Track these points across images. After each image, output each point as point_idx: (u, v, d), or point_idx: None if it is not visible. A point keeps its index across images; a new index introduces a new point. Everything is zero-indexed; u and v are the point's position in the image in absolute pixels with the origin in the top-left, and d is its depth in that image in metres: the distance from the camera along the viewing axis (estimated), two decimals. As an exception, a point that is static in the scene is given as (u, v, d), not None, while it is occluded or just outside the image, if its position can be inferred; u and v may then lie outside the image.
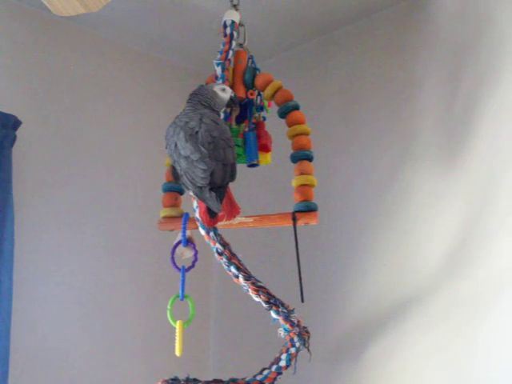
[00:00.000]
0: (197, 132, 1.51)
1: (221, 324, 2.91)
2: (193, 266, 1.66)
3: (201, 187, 1.46)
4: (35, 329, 2.38)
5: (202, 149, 1.48)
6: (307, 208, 1.59)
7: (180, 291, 1.63)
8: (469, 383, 1.96)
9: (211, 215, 1.49)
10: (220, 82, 1.74)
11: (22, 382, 2.28)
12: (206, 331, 2.91)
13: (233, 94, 1.68)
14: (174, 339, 1.62)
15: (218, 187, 1.47)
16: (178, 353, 1.59)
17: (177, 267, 1.66)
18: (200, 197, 1.48)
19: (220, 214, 1.49)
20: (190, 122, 1.54)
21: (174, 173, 1.56)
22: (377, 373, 2.21)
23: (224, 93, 1.66)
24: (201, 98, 1.63)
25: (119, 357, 2.60)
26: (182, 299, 1.64)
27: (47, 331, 2.41)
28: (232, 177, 1.54)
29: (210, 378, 1.56)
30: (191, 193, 1.64)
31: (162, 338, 2.52)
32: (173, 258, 1.66)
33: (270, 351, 1.64)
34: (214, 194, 1.46)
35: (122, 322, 2.63)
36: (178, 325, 1.61)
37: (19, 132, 2.32)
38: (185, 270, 1.65)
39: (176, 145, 1.52)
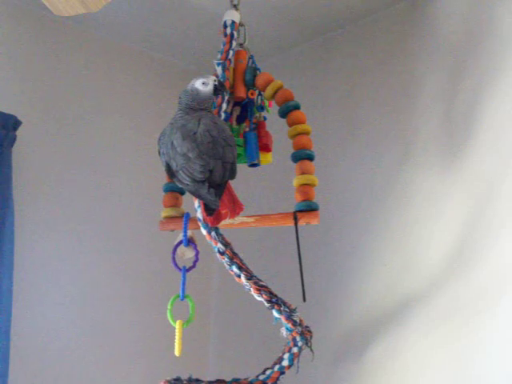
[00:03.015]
0: (195, 133, 1.51)
1: (221, 324, 2.91)
2: (194, 266, 1.65)
3: (199, 181, 1.46)
4: (35, 329, 2.37)
5: (201, 147, 1.48)
6: (308, 207, 1.59)
7: (180, 291, 1.63)
8: (470, 384, 1.97)
9: (208, 212, 1.48)
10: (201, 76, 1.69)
11: (22, 382, 2.28)
12: (206, 331, 2.90)
13: (216, 82, 1.62)
14: (174, 339, 1.62)
15: (217, 185, 1.47)
16: (177, 353, 1.59)
17: (178, 267, 1.65)
18: (197, 193, 1.48)
19: (223, 212, 1.49)
20: (188, 124, 1.54)
21: (169, 170, 1.55)
22: (378, 373, 2.21)
23: (205, 86, 1.60)
24: (187, 103, 1.61)
25: (119, 357, 2.60)
26: (182, 299, 1.64)
27: (47, 331, 2.40)
28: (232, 175, 1.54)
29: (210, 378, 1.56)
30: (190, 192, 1.65)
31: (162, 338, 2.51)
32: (174, 258, 1.66)
33: (270, 351, 1.64)
34: (212, 190, 1.46)
35: (123, 322, 2.62)
36: (177, 325, 1.61)
37: (19, 132, 2.31)
38: (186, 270, 1.65)
39: (172, 143, 1.52)
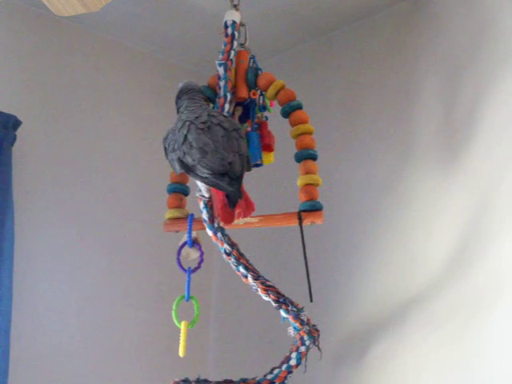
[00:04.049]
0: (209, 127, 1.52)
1: (221, 324, 2.91)
2: (199, 267, 1.65)
3: (219, 174, 1.46)
4: (35, 329, 2.37)
5: (216, 141, 1.49)
6: (313, 207, 1.59)
7: (186, 292, 1.63)
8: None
9: (231, 206, 1.48)
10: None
11: (22, 382, 2.27)
12: (206, 331, 2.90)
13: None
14: (177, 340, 1.62)
15: (236, 178, 1.48)
16: (181, 354, 1.60)
17: (183, 268, 1.66)
18: (217, 185, 1.47)
19: (237, 211, 1.49)
20: (200, 117, 1.55)
21: (183, 165, 1.53)
22: (379, 373, 2.21)
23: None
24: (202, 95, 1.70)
25: (120, 357, 2.60)
26: (187, 300, 1.64)
27: (47, 331, 2.40)
28: (248, 167, 1.56)
29: (210, 378, 1.57)
30: (197, 194, 1.64)
31: (163, 338, 2.53)
32: (179, 259, 1.66)
33: (270, 351, 1.65)
34: (233, 182, 1.46)
35: (123, 323, 2.62)
36: (182, 325, 1.61)
37: (19, 132, 2.31)
38: (191, 271, 1.65)
39: (186, 138, 1.52)
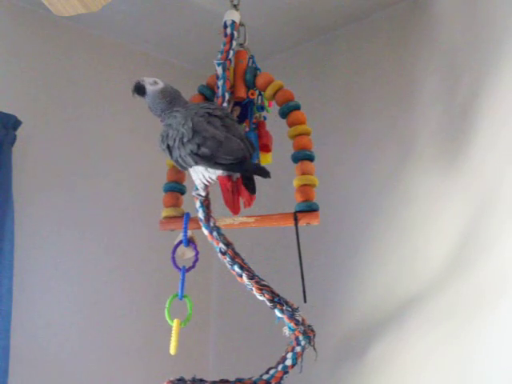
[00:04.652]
0: (208, 118, 1.53)
1: (221, 324, 2.91)
2: (193, 266, 1.65)
3: (241, 157, 1.47)
4: (35, 329, 2.37)
5: (220, 129, 1.51)
6: (309, 208, 1.59)
7: (179, 291, 1.63)
8: (470, 384, 1.97)
9: (253, 190, 1.51)
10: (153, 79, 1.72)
11: (22, 382, 2.27)
12: (206, 331, 2.91)
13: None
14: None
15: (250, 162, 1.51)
16: (172, 351, 1.59)
17: (177, 267, 1.65)
18: (243, 168, 1.49)
19: (243, 200, 1.53)
20: (198, 112, 1.56)
21: (201, 157, 1.50)
22: (379, 372, 2.21)
23: (156, 84, 1.69)
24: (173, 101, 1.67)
25: (119, 357, 2.60)
26: (181, 299, 1.63)
27: (47, 331, 2.40)
28: (252, 147, 1.57)
29: (210, 378, 1.56)
30: (193, 193, 1.64)
31: (162, 338, 2.51)
32: (173, 258, 1.66)
33: (270, 351, 1.64)
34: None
35: (123, 322, 2.63)
36: (174, 323, 1.61)
37: (19, 132, 2.32)
38: (185, 270, 1.65)
39: (194, 130, 1.51)
